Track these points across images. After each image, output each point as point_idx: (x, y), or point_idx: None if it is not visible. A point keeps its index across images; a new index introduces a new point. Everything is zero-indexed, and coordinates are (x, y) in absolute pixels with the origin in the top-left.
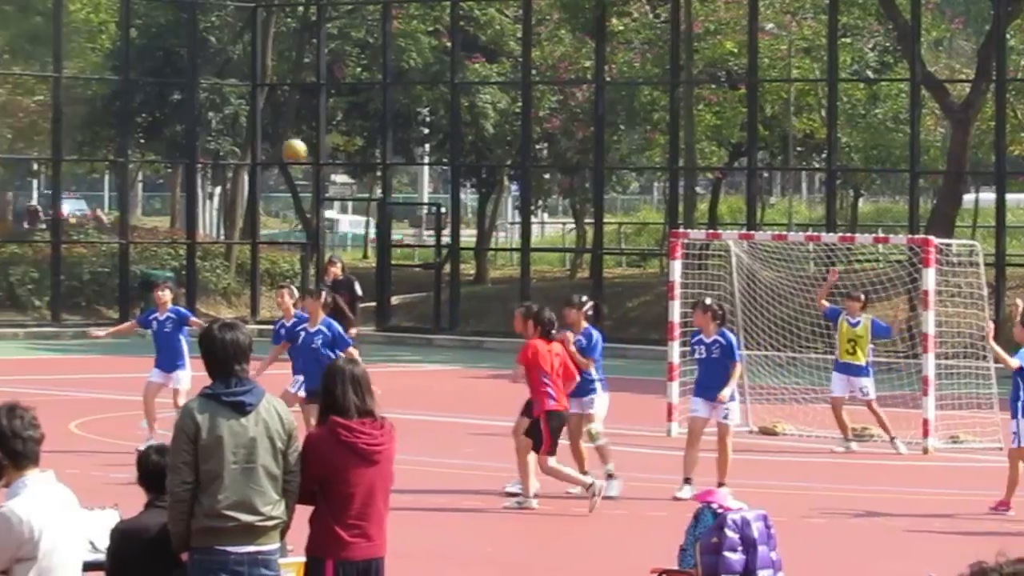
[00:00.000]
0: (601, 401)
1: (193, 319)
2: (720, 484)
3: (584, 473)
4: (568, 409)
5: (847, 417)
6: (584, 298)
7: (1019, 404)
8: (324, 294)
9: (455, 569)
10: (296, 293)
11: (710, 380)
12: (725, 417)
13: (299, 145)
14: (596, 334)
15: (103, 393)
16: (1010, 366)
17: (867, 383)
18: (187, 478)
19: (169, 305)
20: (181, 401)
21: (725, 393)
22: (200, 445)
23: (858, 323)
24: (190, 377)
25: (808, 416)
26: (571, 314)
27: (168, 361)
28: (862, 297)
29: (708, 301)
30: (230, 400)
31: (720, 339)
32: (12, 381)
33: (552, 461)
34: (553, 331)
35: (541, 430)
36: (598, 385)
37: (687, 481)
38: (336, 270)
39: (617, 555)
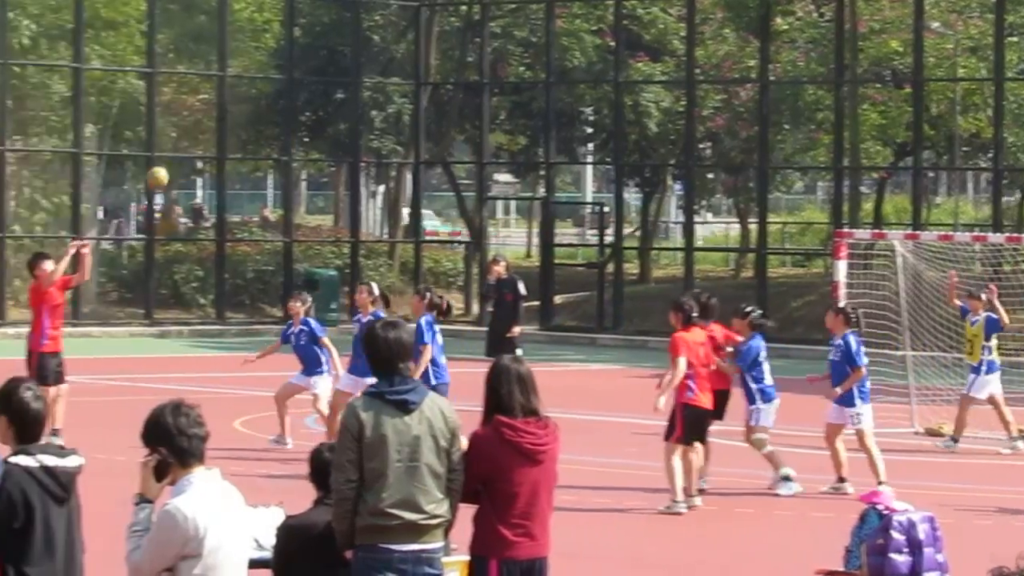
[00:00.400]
0: (767, 414)
1: (324, 339)
2: (879, 483)
3: (778, 467)
4: (707, 407)
5: (1010, 414)
6: (749, 307)
7: None
8: (429, 296)
9: (619, 569)
10: (376, 291)
11: (835, 383)
12: (854, 422)
13: (161, 173)
14: (753, 343)
15: (268, 391)
16: None
17: (970, 378)
18: (352, 476)
19: (301, 316)
20: (321, 406)
21: (836, 390)
22: (364, 443)
23: (976, 322)
24: (329, 384)
25: (974, 417)
26: (736, 323)
27: (309, 369)
28: (982, 297)
29: (841, 304)
30: (394, 398)
31: (841, 342)
32: (177, 379)
33: (676, 459)
34: (694, 315)
35: (675, 420)
36: (758, 396)
37: (841, 480)
38: (500, 269)
39: (782, 556)
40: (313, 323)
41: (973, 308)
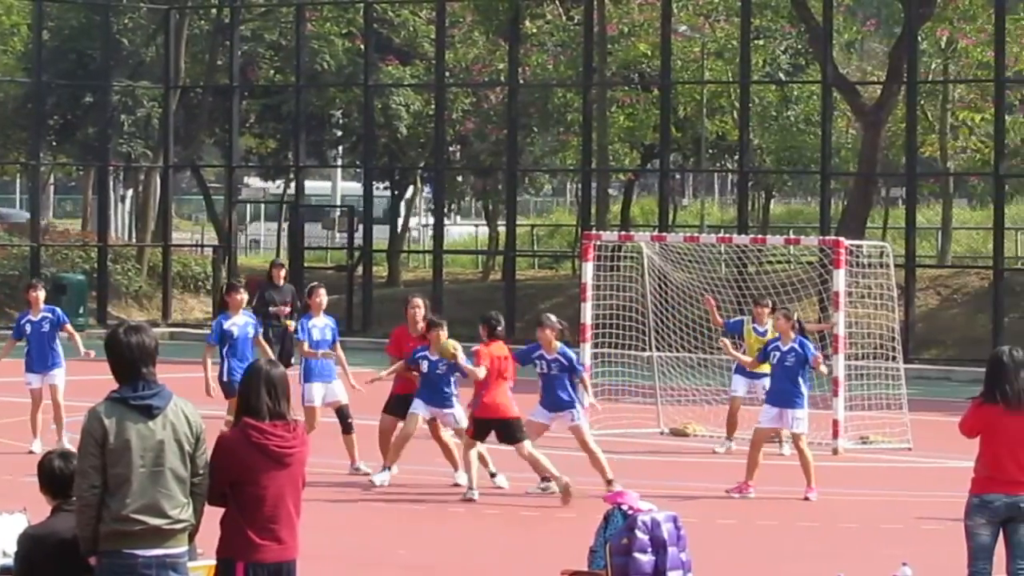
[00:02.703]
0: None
1: (68, 326)
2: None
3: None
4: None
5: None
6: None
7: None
8: (243, 291)
9: (359, 570)
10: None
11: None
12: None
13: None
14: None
15: (4, 396)
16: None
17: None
18: (95, 482)
19: (43, 305)
20: (60, 397)
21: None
22: (108, 449)
23: (765, 331)
24: (64, 376)
25: (719, 417)
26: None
27: (42, 361)
28: (769, 303)
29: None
30: (137, 404)
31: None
32: None
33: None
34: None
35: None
36: None
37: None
38: (283, 274)
39: (526, 556)
40: (59, 311)
41: (759, 317)
